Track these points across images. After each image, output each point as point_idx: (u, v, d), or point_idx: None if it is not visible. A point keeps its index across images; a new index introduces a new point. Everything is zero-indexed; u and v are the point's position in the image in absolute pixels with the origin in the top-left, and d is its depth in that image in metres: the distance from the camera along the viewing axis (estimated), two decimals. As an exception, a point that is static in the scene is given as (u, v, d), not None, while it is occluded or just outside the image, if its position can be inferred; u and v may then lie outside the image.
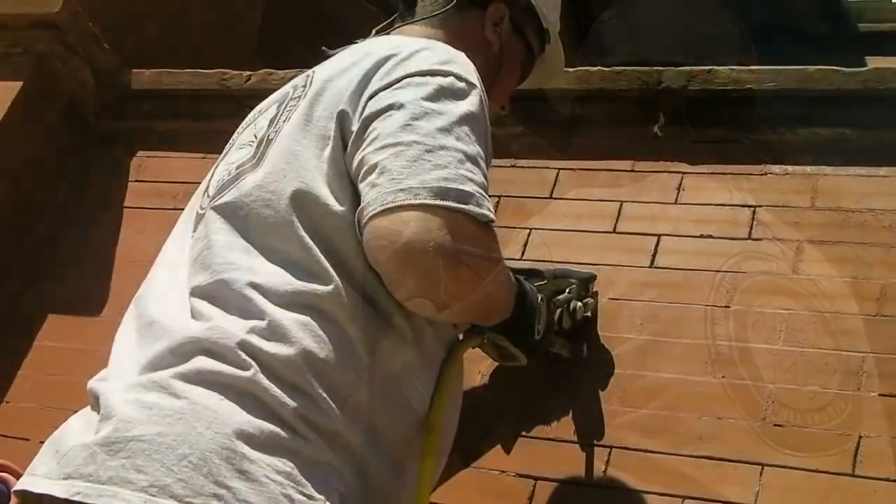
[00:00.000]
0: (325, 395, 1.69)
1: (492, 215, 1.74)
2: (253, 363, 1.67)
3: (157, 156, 3.52)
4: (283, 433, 1.64)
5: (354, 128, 1.81)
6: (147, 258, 2.08)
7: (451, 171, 1.71)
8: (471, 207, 1.70)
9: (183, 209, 2.09)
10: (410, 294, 1.73)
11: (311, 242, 1.76)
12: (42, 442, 1.78)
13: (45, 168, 3.55)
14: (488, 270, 1.79)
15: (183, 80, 3.58)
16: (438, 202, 1.68)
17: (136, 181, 3.48)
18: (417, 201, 1.67)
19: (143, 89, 3.64)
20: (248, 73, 3.45)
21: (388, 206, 1.68)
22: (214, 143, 2.66)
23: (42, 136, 3.56)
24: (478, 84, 1.89)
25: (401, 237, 1.67)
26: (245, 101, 3.14)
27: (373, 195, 1.70)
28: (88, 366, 2.06)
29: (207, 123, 3.47)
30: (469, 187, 1.71)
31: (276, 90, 2.13)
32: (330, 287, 1.74)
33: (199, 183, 2.09)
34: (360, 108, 1.82)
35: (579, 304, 2.43)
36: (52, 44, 3.57)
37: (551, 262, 2.68)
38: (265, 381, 1.66)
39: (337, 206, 1.77)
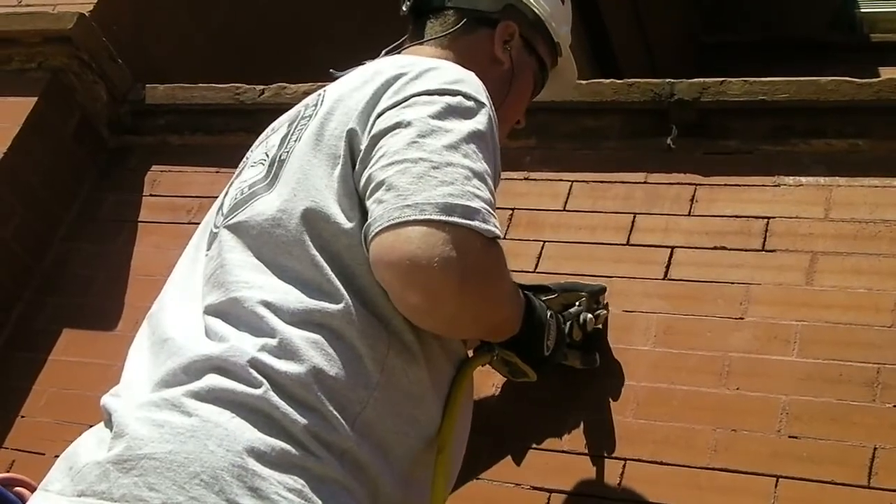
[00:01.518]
0: (335, 412, 1.69)
1: (498, 231, 1.74)
2: (264, 381, 1.67)
3: (172, 170, 3.54)
4: (293, 450, 1.64)
5: (363, 146, 1.82)
6: (162, 272, 2.09)
7: (457, 188, 1.71)
8: (477, 223, 1.70)
9: (197, 223, 2.10)
10: (415, 309, 1.73)
11: (321, 261, 1.77)
12: (57, 456, 1.79)
13: (60, 183, 3.57)
14: (494, 286, 1.80)
15: (197, 95, 3.60)
16: (444, 218, 1.68)
17: (151, 195, 3.50)
18: (423, 217, 1.67)
19: (158, 104, 3.66)
20: (262, 87, 3.46)
21: (393, 222, 1.68)
22: (228, 157, 2.68)
23: (57, 150, 3.58)
24: (487, 103, 1.89)
25: (406, 253, 1.67)
26: (259, 115, 3.17)
27: (379, 211, 1.71)
28: (103, 380, 2.07)
29: (221, 137, 3.49)
30: (475, 203, 1.71)
31: (289, 104, 2.13)
32: (340, 305, 1.75)
33: (214, 197, 2.10)
34: (368, 127, 1.83)
35: (590, 315, 2.43)
36: (67, 59, 3.60)
37: (564, 274, 2.68)
38: (276, 399, 1.66)
39: (347, 225, 1.78)
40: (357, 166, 1.81)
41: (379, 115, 1.83)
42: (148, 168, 3.58)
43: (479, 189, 1.74)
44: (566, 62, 2.42)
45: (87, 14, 3.65)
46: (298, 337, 1.71)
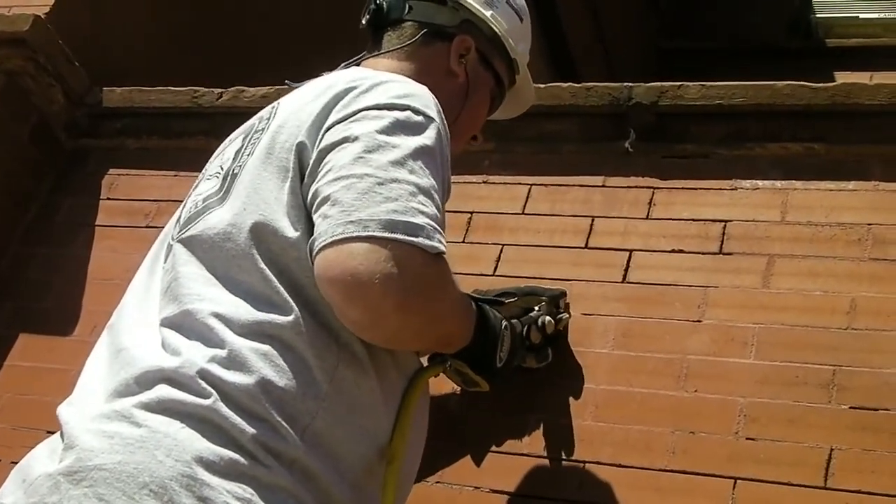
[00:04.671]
0: (284, 422, 1.71)
1: (442, 248, 1.75)
2: (213, 391, 1.69)
3: (129, 174, 3.51)
4: (242, 460, 1.66)
5: (311, 159, 1.83)
6: (119, 276, 2.09)
7: (401, 204, 1.72)
8: (420, 240, 1.71)
9: (155, 227, 2.10)
10: (357, 324, 1.75)
11: (270, 274, 1.79)
12: (14, 462, 1.78)
13: (16, 186, 3.54)
14: (437, 301, 1.81)
15: (154, 98, 3.57)
16: (387, 234, 1.69)
17: (108, 199, 3.47)
18: (366, 233, 1.69)
19: (115, 107, 3.64)
20: (220, 90, 3.44)
21: (337, 238, 1.70)
22: (186, 161, 2.67)
23: (13, 154, 3.55)
24: (437, 118, 1.90)
25: (347, 269, 1.68)
26: (217, 119, 3.16)
27: (324, 227, 1.72)
28: (60, 385, 2.06)
29: (179, 141, 3.47)
30: (419, 220, 1.73)
31: (247, 107, 2.14)
32: (290, 317, 1.76)
33: (172, 200, 2.11)
34: (317, 140, 1.84)
35: (549, 318, 2.44)
36: (22, 62, 3.56)
37: (523, 278, 2.68)
38: (224, 409, 1.68)
39: (296, 238, 1.80)
40: (305, 179, 1.83)
41: (328, 129, 1.84)
42: (105, 171, 3.55)
43: (424, 205, 1.75)
44: (524, 80, 2.42)
45: (43, 16, 3.62)
46: (248, 348, 1.73)
